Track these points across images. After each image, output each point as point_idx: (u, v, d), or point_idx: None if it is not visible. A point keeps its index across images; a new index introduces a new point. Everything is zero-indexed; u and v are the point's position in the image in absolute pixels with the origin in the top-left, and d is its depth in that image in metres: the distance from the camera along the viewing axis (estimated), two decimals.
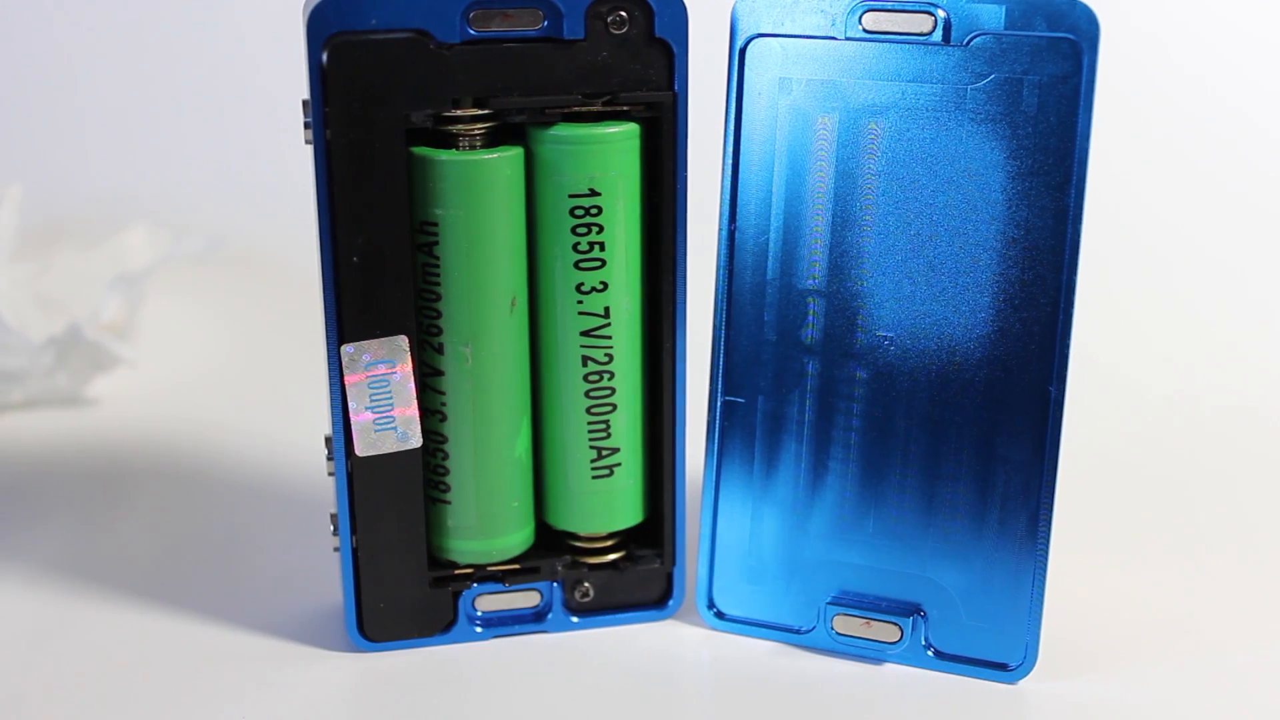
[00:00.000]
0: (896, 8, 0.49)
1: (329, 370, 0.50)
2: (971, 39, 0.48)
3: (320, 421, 0.66)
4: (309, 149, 0.49)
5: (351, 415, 0.49)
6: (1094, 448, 0.66)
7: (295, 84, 0.92)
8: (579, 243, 0.50)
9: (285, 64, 0.95)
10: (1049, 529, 0.49)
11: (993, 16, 0.48)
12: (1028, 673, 0.50)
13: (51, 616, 0.55)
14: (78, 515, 0.63)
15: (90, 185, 0.94)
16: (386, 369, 0.49)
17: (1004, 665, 0.51)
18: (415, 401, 0.50)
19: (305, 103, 0.48)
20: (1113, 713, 0.49)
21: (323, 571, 0.57)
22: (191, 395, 0.75)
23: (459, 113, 0.48)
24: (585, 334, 0.51)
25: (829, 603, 0.52)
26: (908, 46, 0.49)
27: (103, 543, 0.61)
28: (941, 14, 0.48)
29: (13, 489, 0.65)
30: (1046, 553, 0.49)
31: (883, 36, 0.49)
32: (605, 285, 0.50)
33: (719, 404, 0.52)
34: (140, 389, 0.75)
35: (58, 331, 0.72)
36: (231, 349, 0.81)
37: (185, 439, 0.70)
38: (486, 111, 0.49)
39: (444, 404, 0.51)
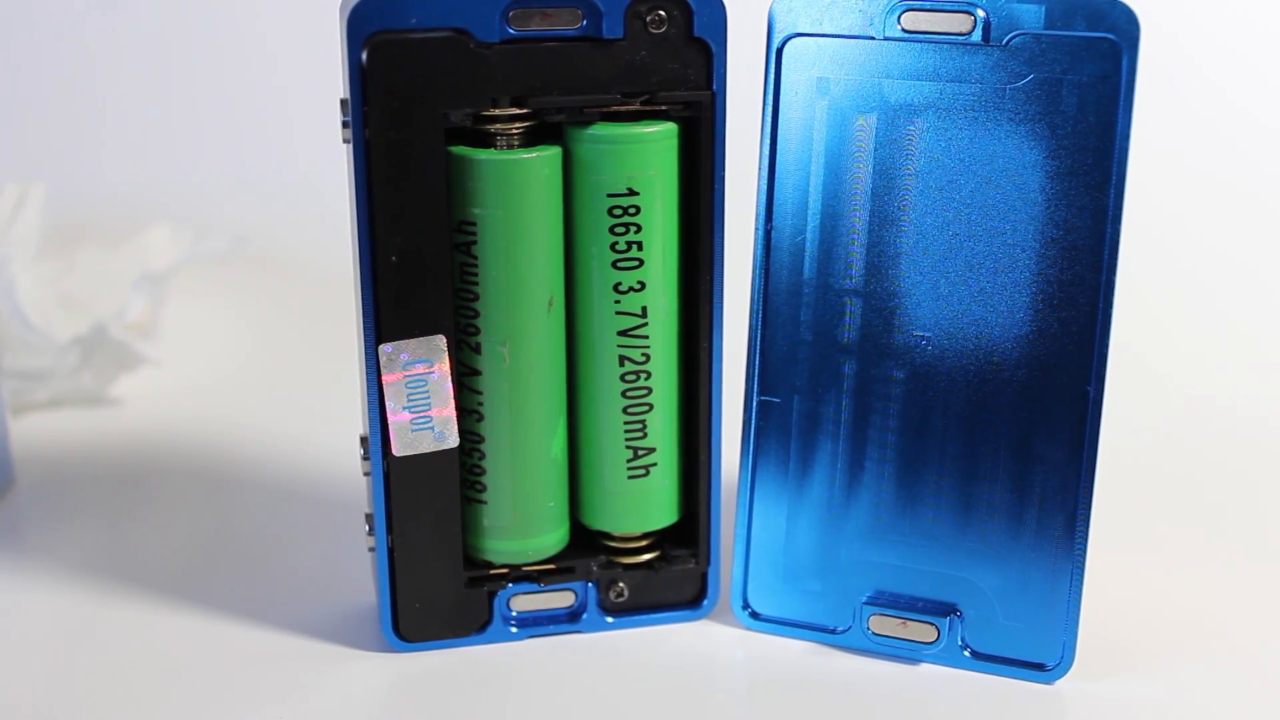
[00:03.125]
0: (935, 7, 0.48)
1: (366, 370, 0.49)
2: (1011, 39, 0.48)
3: (345, 420, 0.67)
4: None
5: (389, 415, 0.49)
6: (1132, 448, 0.66)
7: (316, 83, 0.92)
8: (617, 242, 0.50)
9: (306, 63, 0.95)
10: (1086, 529, 0.49)
11: (1032, 16, 0.48)
12: (1065, 673, 0.50)
13: (82, 617, 0.55)
14: (104, 515, 0.63)
15: (112, 185, 0.94)
16: (424, 368, 0.49)
17: (1041, 665, 0.51)
18: (453, 401, 0.50)
19: (344, 102, 0.48)
20: (1150, 713, 0.49)
21: (353, 572, 0.57)
22: (216, 395, 0.75)
23: (497, 112, 0.48)
24: (622, 334, 0.51)
25: (865, 603, 0.52)
26: (946, 46, 0.49)
27: (130, 543, 0.61)
28: (981, 14, 0.48)
29: (38, 488, 0.65)
30: (1084, 553, 0.49)
31: (921, 36, 0.49)
32: (643, 285, 0.50)
33: (755, 404, 0.52)
34: (164, 389, 0.75)
35: (83, 331, 0.72)
36: (255, 348, 0.81)
37: (210, 438, 0.70)
38: (525, 111, 0.48)
39: (481, 403, 0.51)
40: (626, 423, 0.52)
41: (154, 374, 0.75)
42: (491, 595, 0.52)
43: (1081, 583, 0.50)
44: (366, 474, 0.51)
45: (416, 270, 0.48)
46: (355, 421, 0.62)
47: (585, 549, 0.54)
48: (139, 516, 0.63)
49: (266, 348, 0.81)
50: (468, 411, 0.51)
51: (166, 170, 0.95)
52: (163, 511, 0.64)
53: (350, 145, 0.48)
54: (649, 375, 0.51)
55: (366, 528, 0.52)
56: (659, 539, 0.54)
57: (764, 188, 0.51)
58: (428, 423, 0.50)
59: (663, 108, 0.49)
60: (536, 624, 0.53)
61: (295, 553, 0.60)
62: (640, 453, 0.52)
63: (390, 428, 0.50)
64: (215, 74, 0.97)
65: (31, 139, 0.96)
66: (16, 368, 0.71)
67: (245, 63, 0.97)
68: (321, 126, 0.88)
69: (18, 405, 0.71)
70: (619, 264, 0.50)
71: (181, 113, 0.97)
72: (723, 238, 0.51)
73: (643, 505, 0.53)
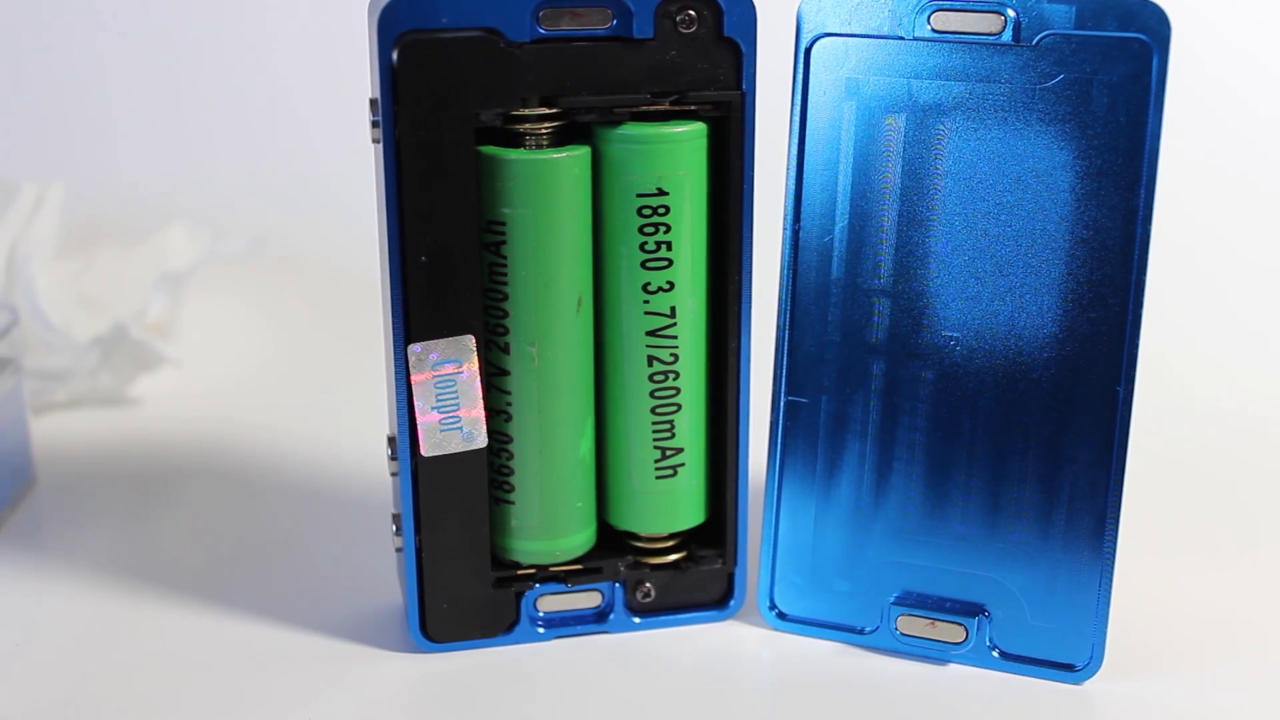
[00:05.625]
0: (965, 7, 0.48)
1: (395, 370, 0.49)
2: (1041, 39, 0.48)
3: (366, 420, 0.67)
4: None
5: (418, 415, 0.49)
6: (1161, 448, 0.66)
7: (334, 83, 0.92)
8: (646, 242, 0.50)
9: (324, 63, 0.95)
10: (1116, 529, 0.49)
11: (1063, 16, 0.47)
12: (1094, 673, 0.50)
13: (104, 616, 0.55)
14: (125, 515, 0.63)
15: (130, 184, 0.94)
16: (453, 368, 0.49)
17: (1070, 666, 0.50)
18: (481, 401, 0.50)
19: (373, 101, 0.48)
20: (1179, 713, 0.49)
21: (376, 572, 0.57)
22: (235, 395, 0.75)
23: (527, 112, 0.48)
24: (651, 334, 0.51)
25: (893, 603, 0.52)
26: (976, 46, 0.49)
27: (152, 543, 0.61)
28: (1011, 13, 0.48)
29: (59, 488, 0.65)
30: (1114, 553, 0.49)
31: (951, 36, 0.49)
32: (671, 285, 0.50)
33: (782, 404, 0.52)
34: (183, 389, 0.75)
35: (103, 331, 0.72)
36: (275, 348, 0.81)
37: (230, 438, 0.70)
38: (554, 110, 0.48)
39: (509, 404, 0.51)
40: (655, 423, 0.52)
41: (173, 374, 0.75)
42: (519, 595, 0.52)
43: (1111, 583, 0.50)
44: (394, 474, 0.51)
45: (446, 270, 0.48)
46: (376, 421, 0.62)
47: (612, 549, 0.53)
48: (160, 517, 0.63)
49: (286, 348, 0.81)
50: (496, 412, 0.51)
51: (184, 170, 0.95)
52: (183, 512, 0.64)
53: (380, 145, 0.48)
54: (677, 375, 0.51)
55: (394, 528, 0.52)
56: (686, 539, 0.54)
57: (792, 188, 0.51)
58: (456, 423, 0.50)
59: (692, 108, 0.49)
60: (563, 624, 0.53)
61: (318, 553, 0.60)
62: (668, 453, 0.52)
63: (419, 428, 0.49)
64: (233, 74, 0.97)
65: (49, 139, 0.96)
66: (36, 367, 0.71)
67: (263, 62, 0.97)
68: (339, 126, 0.88)
69: (37, 405, 0.71)
70: (648, 264, 0.50)
71: (199, 112, 0.97)
72: (751, 238, 0.51)
73: (670, 506, 0.53)
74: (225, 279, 0.84)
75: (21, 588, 0.57)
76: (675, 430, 0.52)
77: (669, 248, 0.50)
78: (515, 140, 0.49)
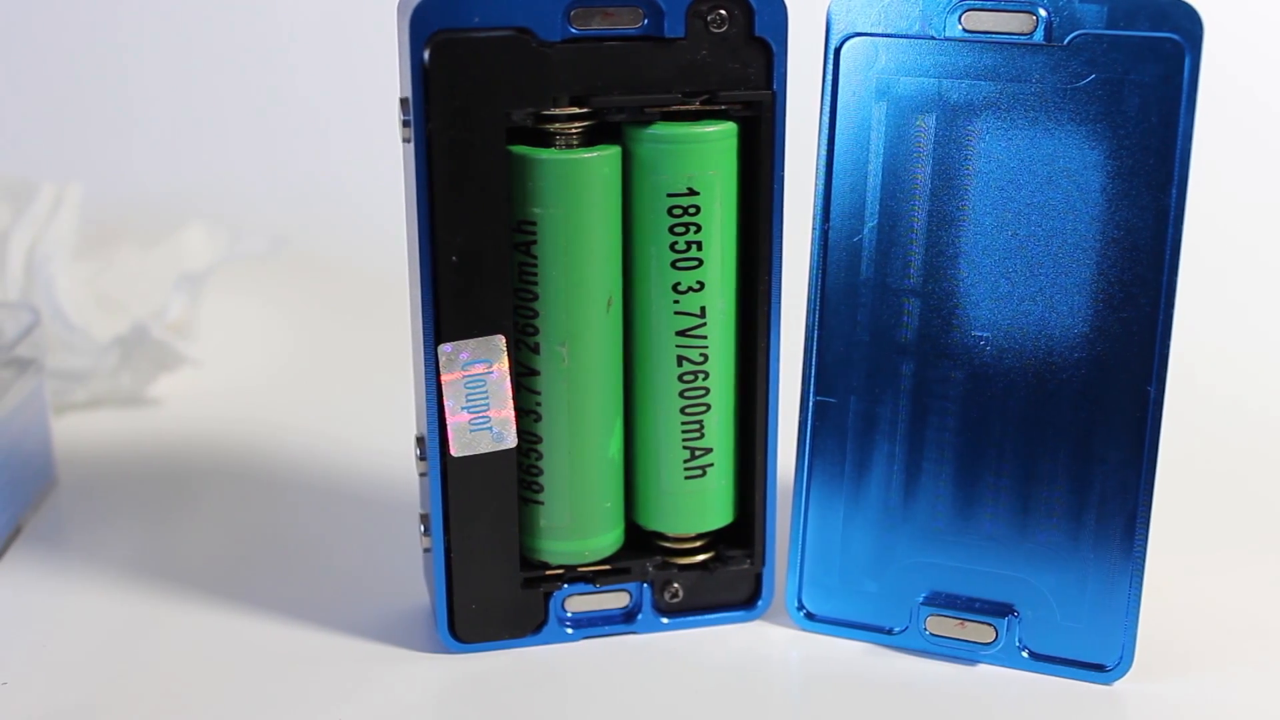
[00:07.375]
0: (997, 7, 0.48)
1: (425, 370, 0.49)
2: (1073, 39, 0.48)
3: (386, 419, 0.67)
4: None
5: (448, 415, 0.49)
6: (1191, 449, 0.66)
7: (352, 83, 0.92)
8: (676, 242, 0.50)
9: (344, 63, 0.94)
10: (1147, 530, 0.49)
11: (1095, 16, 0.47)
12: (1124, 674, 0.50)
13: (128, 617, 0.55)
14: (146, 515, 0.63)
15: (148, 184, 0.94)
16: (483, 368, 0.49)
17: (1100, 666, 0.50)
18: (511, 402, 0.49)
19: (404, 101, 0.48)
20: (1209, 715, 0.49)
21: (402, 573, 0.57)
22: (255, 395, 0.75)
23: (557, 111, 0.48)
24: (681, 334, 0.51)
25: (922, 603, 0.52)
26: (1007, 46, 0.48)
27: (174, 543, 0.61)
28: (1043, 13, 0.48)
29: (79, 489, 0.65)
30: (1144, 554, 0.49)
31: (982, 36, 0.49)
32: (702, 285, 0.50)
33: (811, 404, 0.52)
34: (203, 389, 0.75)
35: (123, 331, 0.72)
36: (294, 348, 0.81)
37: (250, 439, 0.70)
38: (585, 110, 0.48)
39: (539, 404, 0.50)
40: (684, 423, 0.52)
41: (193, 374, 0.75)
42: (547, 596, 0.52)
43: (1141, 584, 0.49)
44: (423, 474, 0.51)
45: (476, 270, 0.48)
46: (398, 421, 0.62)
47: (640, 550, 0.53)
48: (182, 517, 0.63)
49: (306, 347, 0.81)
50: (526, 412, 0.51)
51: (203, 170, 0.95)
52: (205, 512, 0.64)
53: (410, 144, 0.48)
54: (707, 376, 0.51)
55: (422, 528, 0.52)
56: (714, 540, 0.54)
57: (822, 187, 0.51)
58: (486, 423, 0.50)
59: (723, 107, 0.49)
60: (591, 625, 0.53)
61: (342, 553, 0.59)
62: (697, 453, 0.52)
63: (449, 428, 0.49)
64: (252, 73, 0.97)
65: (68, 138, 0.96)
66: (57, 368, 0.71)
67: (282, 62, 0.97)
68: (359, 126, 0.88)
69: (58, 405, 0.71)
70: (678, 264, 0.50)
71: (218, 112, 0.97)
72: (781, 238, 0.51)
73: (699, 506, 0.53)
74: (245, 279, 0.84)
75: (44, 588, 0.57)
76: (704, 430, 0.52)
77: (699, 248, 0.50)
78: (546, 140, 0.49)
